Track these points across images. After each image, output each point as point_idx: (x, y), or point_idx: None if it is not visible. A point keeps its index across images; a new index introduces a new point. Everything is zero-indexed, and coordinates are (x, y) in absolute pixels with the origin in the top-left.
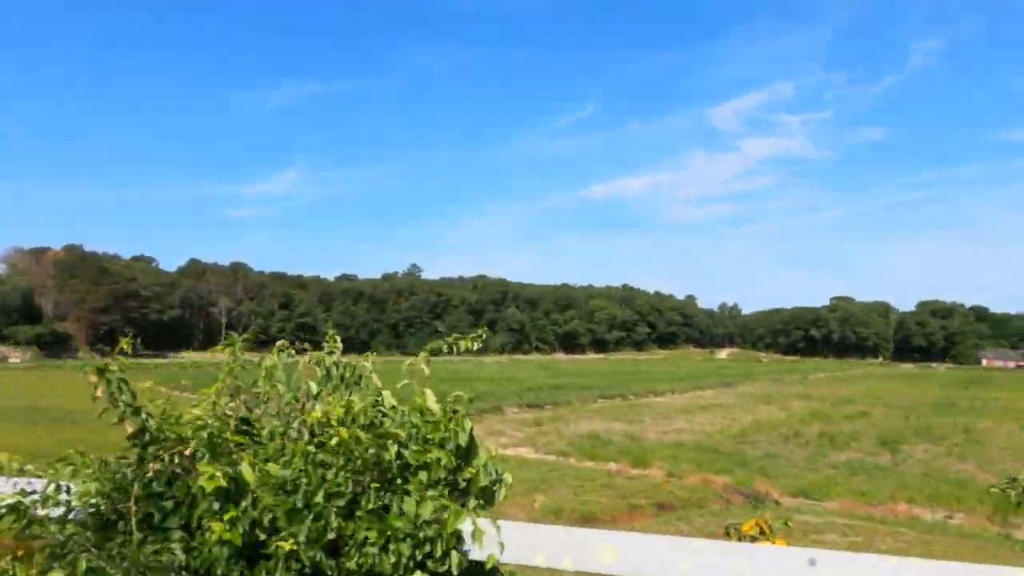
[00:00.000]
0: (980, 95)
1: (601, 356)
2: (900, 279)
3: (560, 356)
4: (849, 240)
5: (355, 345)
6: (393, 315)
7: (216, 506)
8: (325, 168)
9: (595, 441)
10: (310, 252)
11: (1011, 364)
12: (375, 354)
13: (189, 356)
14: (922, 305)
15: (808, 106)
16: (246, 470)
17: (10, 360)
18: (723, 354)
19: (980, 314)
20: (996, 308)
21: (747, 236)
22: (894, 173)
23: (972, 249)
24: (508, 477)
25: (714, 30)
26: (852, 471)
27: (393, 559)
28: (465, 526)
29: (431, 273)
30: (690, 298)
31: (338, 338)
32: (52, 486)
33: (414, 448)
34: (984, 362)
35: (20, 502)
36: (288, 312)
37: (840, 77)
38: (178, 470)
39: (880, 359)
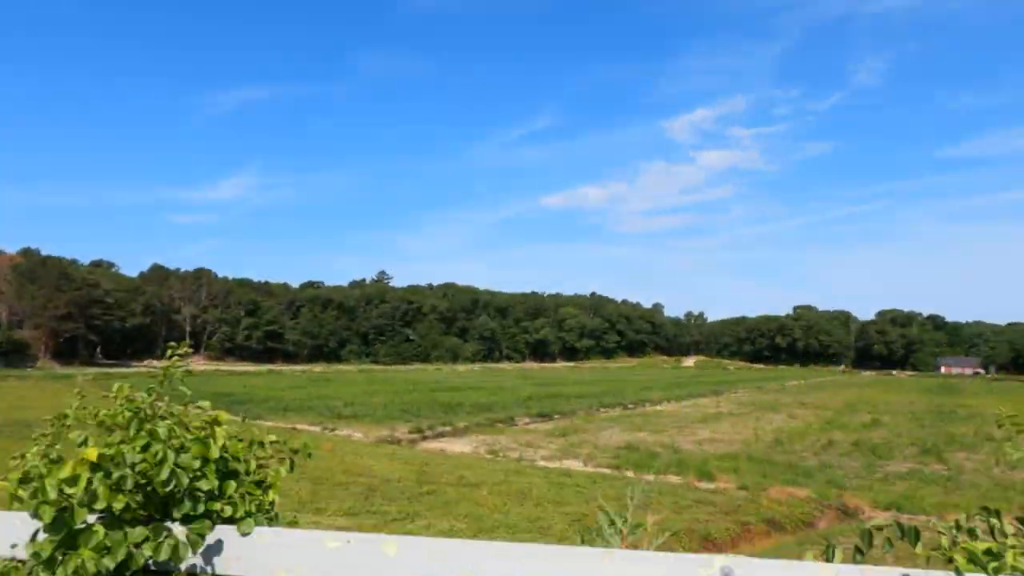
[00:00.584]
0: (919, 114)
1: (572, 364)
2: (849, 289)
3: (531, 364)
4: (799, 251)
5: (324, 354)
6: (363, 323)
7: None
8: (278, 174)
9: (636, 452)
10: (262, 259)
11: (968, 371)
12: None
13: (153, 365)
14: (881, 314)
15: (760, 120)
16: None
17: None
18: (690, 362)
19: (937, 323)
20: (945, 317)
21: (702, 247)
22: (841, 186)
23: (911, 260)
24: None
25: (670, 44)
26: (924, 482)
27: None
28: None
29: (394, 281)
30: (657, 306)
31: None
32: None
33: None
34: (943, 369)
35: None
36: (255, 319)
37: (790, 93)
38: None
39: (843, 367)
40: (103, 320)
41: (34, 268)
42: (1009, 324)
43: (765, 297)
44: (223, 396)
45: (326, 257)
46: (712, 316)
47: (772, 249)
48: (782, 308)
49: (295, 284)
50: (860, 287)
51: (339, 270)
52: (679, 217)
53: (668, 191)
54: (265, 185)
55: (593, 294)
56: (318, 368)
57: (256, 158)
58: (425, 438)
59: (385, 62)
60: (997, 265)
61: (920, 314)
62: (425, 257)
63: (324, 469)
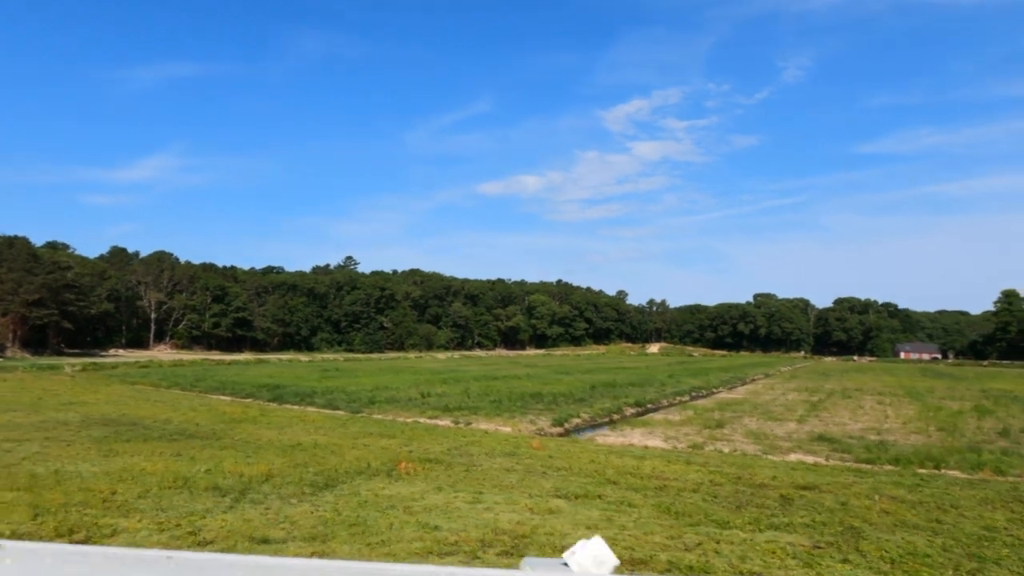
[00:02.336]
0: (839, 111)
1: (544, 352)
2: (775, 279)
3: (503, 352)
4: (726, 241)
5: (296, 341)
6: (335, 310)
7: None
8: (200, 155)
9: (838, 443)
10: (183, 244)
11: (926, 356)
12: None
13: (119, 354)
14: (839, 301)
15: (693, 112)
16: None
17: None
18: (654, 348)
19: (891, 310)
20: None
21: (636, 236)
22: (767, 179)
23: (831, 251)
24: None
25: (607, 34)
26: None
27: None
28: None
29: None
30: (621, 293)
31: None
32: None
33: None
34: (902, 355)
35: None
36: (224, 306)
37: (721, 87)
38: None
39: (803, 353)
40: (77, 306)
41: (0, 250)
42: (940, 311)
43: (693, 287)
44: (267, 387)
45: (252, 242)
46: (633, 303)
47: (702, 238)
48: (708, 298)
49: (258, 269)
50: (784, 276)
51: (267, 256)
52: (614, 206)
53: (604, 180)
54: (187, 167)
55: (559, 281)
56: (304, 357)
57: (177, 139)
58: (579, 431)
59: (316, 43)
60: (910, 257)
61: (876, 302)
62: (357, 243)
63: (594, 471)
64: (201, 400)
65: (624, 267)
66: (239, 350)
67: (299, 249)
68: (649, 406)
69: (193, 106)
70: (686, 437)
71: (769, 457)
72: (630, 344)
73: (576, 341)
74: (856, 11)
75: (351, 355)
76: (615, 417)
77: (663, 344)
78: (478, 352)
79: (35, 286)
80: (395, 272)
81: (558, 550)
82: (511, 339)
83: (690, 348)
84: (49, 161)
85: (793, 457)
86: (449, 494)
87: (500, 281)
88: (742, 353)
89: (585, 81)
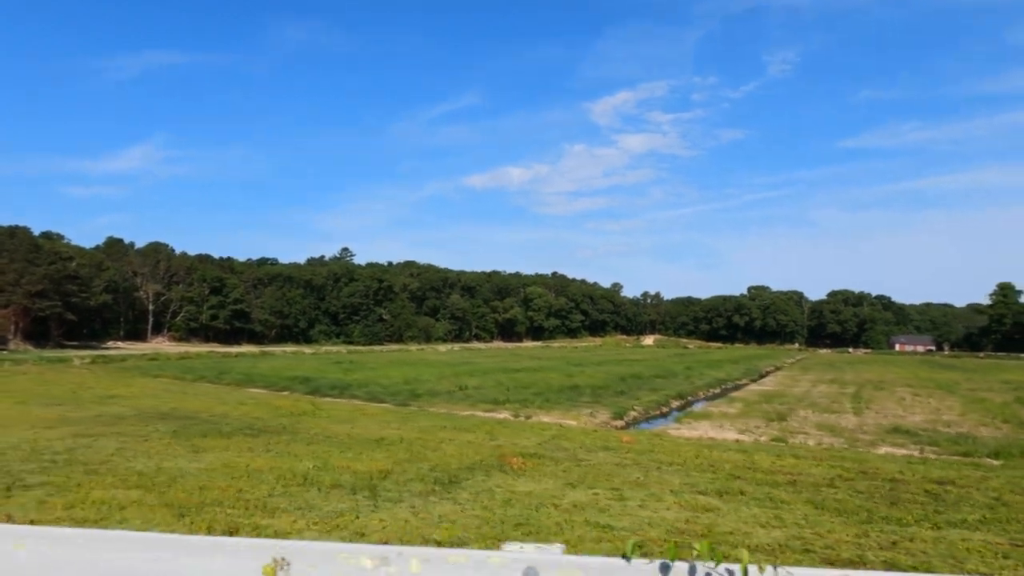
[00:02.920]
0: (824, 105)
1: (541, 344)
2: (761, 273)
3: (501, 344)
4: (712, 235)
5: (294, 333)
6: (333, 302)
7: None
8: (185, 146)
9: (914, 436)
10: (168, 236)
11: (920, 348)
12: None
13: (119, 346)
14: (833, 294)
15: (679, 106)
16: None
17: None
18: (649, 341)
19: (884, 303)
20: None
21: (622, 229)
22: (753, 173)
23: (816, 245)
24: None
25: (594, 27)
26: None
27: None
28: None
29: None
30: (616, 286)
31: None
32: None
33: None
34: (897, 347)
35: None
36: (222, 298)
37: (708, 80)
38: None
39: (797, 345)
40: (80, 297)
41: (1, 239)
42: (926, 304)
43: (680, 279)
44: (297, 380)
45: (236, 234)
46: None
47: (688, 232)
48: (693, 291)
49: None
50: (770, 270)
51: (251, 248)
52: (601, 199)
53: (591, 173)
54: (170, 158)
55: (555, 273)
56: (308, 350)
57: (160, 129)
58: (637, 423)
59: (303, 34)
60: (893, 251)
61: (870, 294)
62: (343, 236)
63: (708, 466)
64: (240, 393)
65: (611, 261)
66: (237, 342)
67: (284, 241)
68: (690, 399)
69: (177, 97)
70: (758, 430)
71: (859, 450)
72: (625, 336)
73: (572, 333)
74: (841, 5)
75: (353, 348)
76: (664, 410)
77: (657, 336)
78: (476, 344)
79: (37, 277)
80: (390, 264)
81: (757, 549)
82: (508, 331)
83: (685, 340)
84: (28, 151)
85: (883, 450)
86: (586, 491)
87: (496, 273)
88: (736, 345)
89: (572, 74)
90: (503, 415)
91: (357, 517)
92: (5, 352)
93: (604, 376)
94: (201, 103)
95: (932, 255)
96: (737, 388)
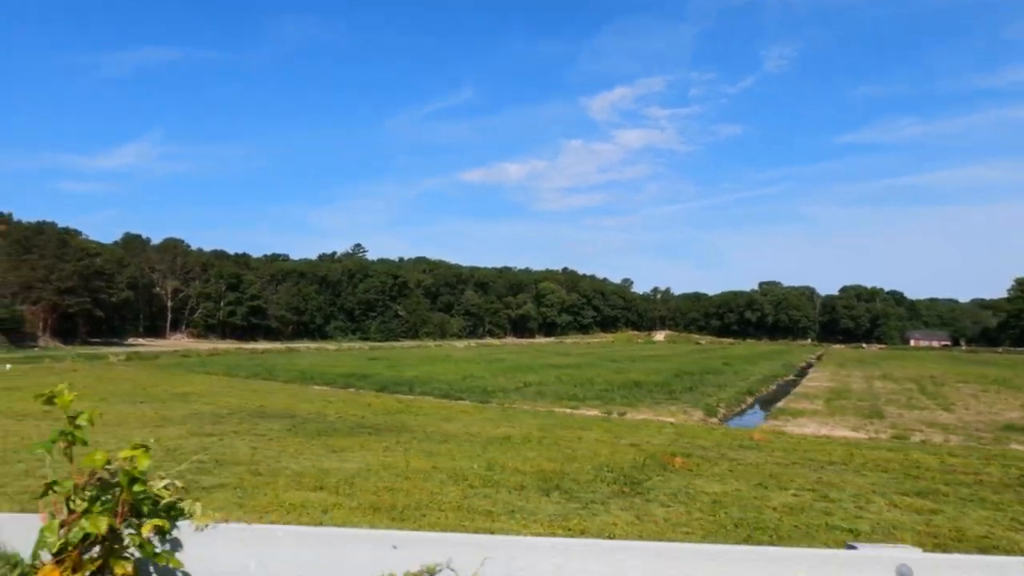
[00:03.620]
0: (821, 100)
1: (554, 340)
2: (758, 269)
3: (514, 340)
4: (709, 230)
5: (310, 330)
6: (348, 298)
7: None
8: (180, 143)
9: None
10: (166, 232)
11: (935, 343)
12: None
13: (139, 343)
14: (845, 289)
15: (677, 101)
16: None
17: None
18: (659, 336)
19: (897, 299)
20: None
21: (619, 225)
22: (750, 169)
23: (812, 242)
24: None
25: (591, 22)
26: None
27: None
28: None
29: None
30: (626, 282)
31: None
32: None
33: None
34: (912, 342)
35: None
36: (239, 294)
37: (705, 75)
38: None
39: (810, 340)
40: (107, 294)
41: (28, 235)
42: (931, 299)
43: (679, 276)
44: (356, 376)
45: (233, 231)
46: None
47: (686, 228)
48: (694, 287)
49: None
50: (767, 266)
51: (251, 244)
52: (598, 195)
53: (588, 169)
54: (166, 154)
55: (565, 269)
56: (331, 346)
57: (156, 125)
58: (728, 420)
59: (298, 29)
60: (892, 246)
61: (882, 290)
62: (338, 232)
63: (879, 467)
64: (309, 391)
65: (609, 258)
66: (253, 339)
67: (279, 238)
68: (756, 396)
69: (173, 93)
70: (868, 427)
71: (988, 448)
72: (636, 332)
73: (584, 329)
74: (837, 1)
75: (375, 345)
76: (742, 407)
77: (668, 332)
78: (491, 340)
79: (67, 273)
80: (401, 260)
81: None
82: (521, 327)
83: (696, 336)
84: (22, 146)
85: (1016, 447)
86: (782, 492)
87: (508, 269)
88: (748, 341)
89: (569, 69)
90: (592, 412)
91: (582, 519)
92: (36, 349)
93: (654, 372)
94: (197, 99)
95: (932, 251)
96: (792, 384)
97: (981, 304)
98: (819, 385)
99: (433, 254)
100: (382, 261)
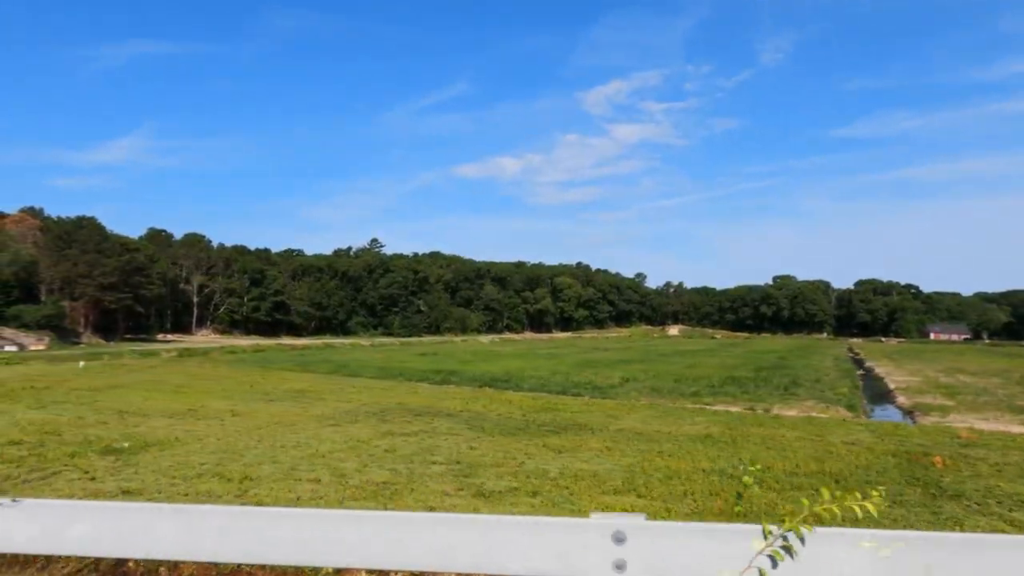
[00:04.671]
0: (817, 94)
1: (572, 335)
2: (749, 262)
3: (533, 335)
4: (704, 225)
5: (332, 326)
6: (370, 293)
7: None
8: (173, 137)
9: None
10: (162, 225)
11: (955, 337)
12: None
13: (166, 339)
14: (861, 283)
15: (672, 95)
16: None
17: (31, 348)
18: (674, 331)
19: (913, 293)
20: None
21: (615, 219)
22: (745, 162)
23: (806, 234)
24: None
25: (585, 16)
26: None
27: None
28: None
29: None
30: (640, 276)
31: None
32: None
33: None
34: (932, 336)
35: None
36: (262, 290)
37: (701, 69)
38: None
39: (825, 334)
40: (147, 289)
41: (69, 230)
42: (935, 292)
43: (672, 269)
44: (448, 374)
45: (227, 225)
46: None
47: (680, 221)
48: (682, 280)
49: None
50: (761, 260)
51: (243, 239)
52: (594, 189)
53: (583, 163)
54: (160, 149)
55: (579, 264)
56: (365, 342)
57: (149, 119)
58: (869, 417)
59: (291, 21)
60: (882, 240)
61: (898, 283)
62: (332, 227)
63: None
64: (431, 389)
65: (604, 251)
66: (276, 334)
67: (272, 232)
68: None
69: (165, 86)
70: None
71: None
72: (650, 326)
73: (599, 324)
74: None
75: (405, 340)
76: (863, 401)
77: (682, 326)
78: (511, 336)
79: (109, 269)
80: (415, 255)
81: None
82: (538, 322)
83: (710, 330)
84: (12, 142)
85: None
86: None
87: (523, 264)
88: (763, 335)
89: (564, 63)
90: (735, 408)
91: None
92: (82, 345)
93: (724, 368)
94: (190, 93)
95: (931, 244)
96: (865, 379)
97: (985, 297)
98: (904, 379)
99: (426, 248)
100: (399, 256)
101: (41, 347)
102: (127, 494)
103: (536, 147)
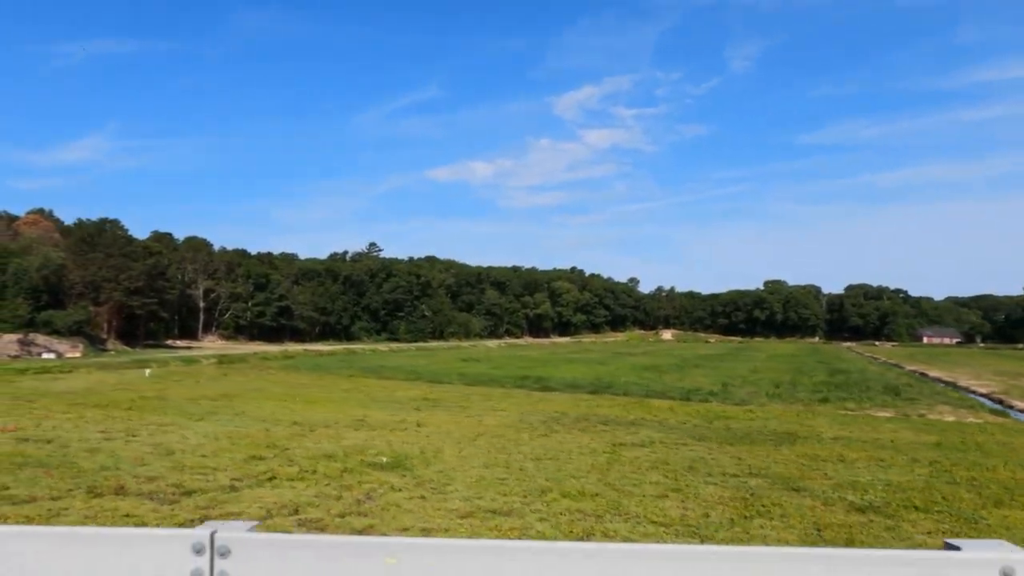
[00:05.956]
0: (783, 101)
1: (570, 340)
2: (722, 266)
3: (532, 340)
4: (677, 230)
5: (336, 331)
6: (374, 298)
7: None
8: (137, 137)
9: None
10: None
11: (947, 340)
12: None
13: (176, 344)
14: (851, 288)
15: (643, 101)
16: None
17: (67, 356)
18: (667, 335)
19: (903, 297)
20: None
21: (586, 223)
22: (714, 168)
23: (776, 238)
24: None
25: (555, 21)
26: None
27: None
28: None
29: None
30: (633, 281)
31: None
32: None
33: None
34: (925, 339)
35: None
36: (267, 295)
37: (671, 75)
38: None
39: (817, 338)
40: (171, 294)
41: (92, 234)
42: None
43: (647, 272)
44: (534, 380)
45: (195, 227)
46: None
47: (651, 226)
48: (663, 282)
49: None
50: (730, 264)
51: (212, 240)
52: (565, 194)
53: (555, 168)
54: (122, 149)
55: (573, 269)
56: (382, 347)
57: (111, 119)
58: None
59: (259, 21)
60: (848, 242)
61: (888, 288)
62: (300, 229)
63: None
64: (545, 397)
65: (577, 255)
66: (279, 340)
67: (238, 233)
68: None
69: (128, 85)
70: None
71: None
72: (643, 331)
73: (596, 328)
74: (799, 3)
75: (422, 345)
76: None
77: (674, 331)
78: (513, 341)
79: (136, 273)
80: (411, 259)
81: None
82: (537, 327)
83: (703, 335)
84: None
85: None
86: None
87: (519, 268)
88: (757, 339)
89: (535, 68)
90: (883, 413)
91: None
92: (111, 352)
93: (789, 371)
94: (154, 93)
95: (899, 248)
96: (945, 383)
97: (957, 301)
98: (976, 382)
99: (401, 252)
100: (397, 261)
101: (77, 355)
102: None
103: (508, 152)
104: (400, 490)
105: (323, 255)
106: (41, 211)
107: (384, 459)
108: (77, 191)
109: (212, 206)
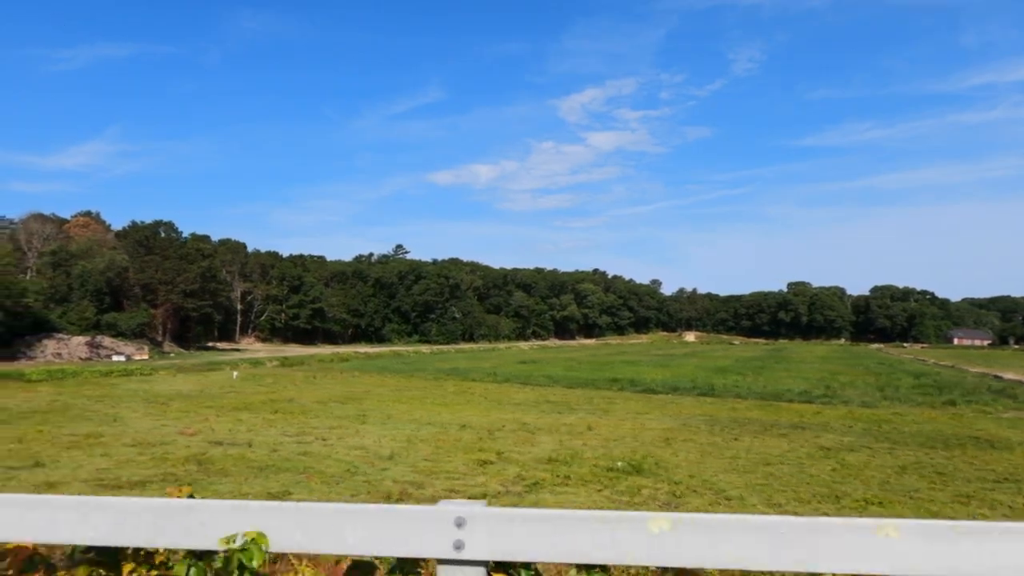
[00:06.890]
0: (784, 104)
1: (596, 341)
2: (715, 269)
3: (560, 342)
4: (677, 231)
5: (368, 334)
6: (404, 300)
7: None
8: (139, 141)
9: None
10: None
11: (978, 342)
12: None
13: (216, 346)
14: (877, 289)
15: (647, 103)
16: None
17: (135, 358)
18: (690, 337)
19: (930, 298)
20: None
21: (588, 225)
22: (717, 170)
23: (773, 240)
24: None
25: (558, 23)
26: None
27: None
28: None
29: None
30: (655, 282)
31: None
32: None
33: None
34: (955, 341)
35: None
36: (301, 297)
37: (675, 78)
38: None
39: (842, 340)
40: (224, 296)
41: (147, 236)
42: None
43: (648, 275)
44: (636, 383)
45: (195, 227)
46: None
47: (650, 228)
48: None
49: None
50: (730, 267)
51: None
52: (568, 196)
53: (559, 170)
54: (124, 153)
55: (595, 271)
56: (424, 348)
57: (113, 123)
58: None
59: (260, 25)
60: (844, 245)
61: (915, 289)
62: (301, 232)
63: None
64: (668, 400)
65: (575, 257)
66: (312, 342)
67: (240, 236)
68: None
69: (129, 90)
70: None
71: None
72: (667, 333)
73: (620, 330)
74: (797, 5)
75: (460, 347)
76: None
77: (697, 332)
78: (542, 343)
79: (192, 275)
80: (434, 260)
81: None
82: (563, 328)
83: (726, 336)
84: None
85: None
86: None
87: (542, 270)
88: (780, 341)
89: (539, 70)
90: (1012, 415)
91: None
92: (171, 355)
93: (871, 374)
94: (155, 97)
95: (910, 251)
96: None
97: (974, 303)
98: None
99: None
100: (422, 263)
101: (144, 357)
102: None
103: (511, 154)
104: (680, 496)
105: (330, 257)
106: (88, 213)
107: (619, 463)
108: (78, 195)
109: (212, 208)
